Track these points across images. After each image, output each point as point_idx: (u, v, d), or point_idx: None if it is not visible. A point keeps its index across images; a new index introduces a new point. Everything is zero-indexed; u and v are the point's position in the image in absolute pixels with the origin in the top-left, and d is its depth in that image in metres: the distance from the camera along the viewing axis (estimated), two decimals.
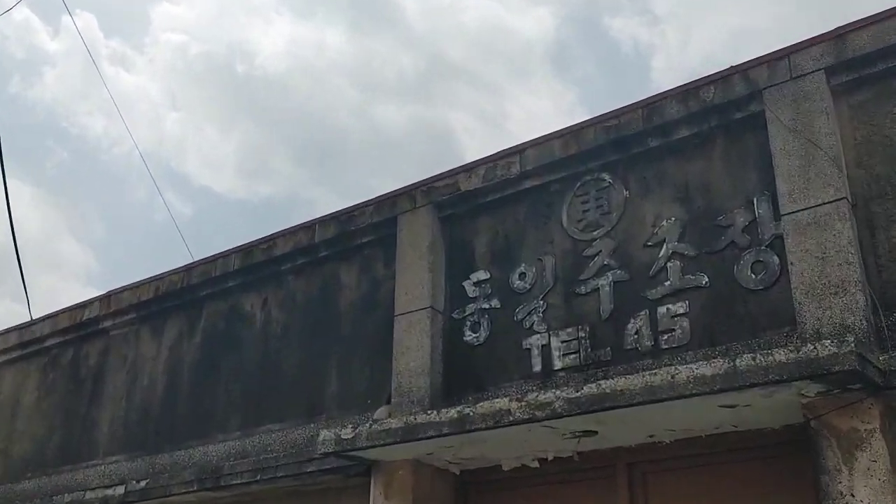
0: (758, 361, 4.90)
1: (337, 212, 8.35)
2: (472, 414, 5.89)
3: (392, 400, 7.07)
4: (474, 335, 7.13)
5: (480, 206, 7.49)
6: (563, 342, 6.60)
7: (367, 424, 6.44)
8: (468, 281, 7.35)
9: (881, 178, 5.64)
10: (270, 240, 8.72)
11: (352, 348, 7.86)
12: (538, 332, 6.76)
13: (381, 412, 7.00)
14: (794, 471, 5.56)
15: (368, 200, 8.11)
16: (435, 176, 7.71)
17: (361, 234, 8.13)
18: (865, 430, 4.95)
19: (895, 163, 5.62)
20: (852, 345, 4.67)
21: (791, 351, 4.85)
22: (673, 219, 6.40)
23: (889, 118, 5.75)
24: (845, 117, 5.87)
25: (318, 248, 8.42)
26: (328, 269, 8.39)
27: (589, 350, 6.44)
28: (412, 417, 6.21)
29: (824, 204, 5.56)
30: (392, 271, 7.70)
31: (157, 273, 9.53)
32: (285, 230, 8.67)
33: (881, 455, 4.87)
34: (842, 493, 4.89)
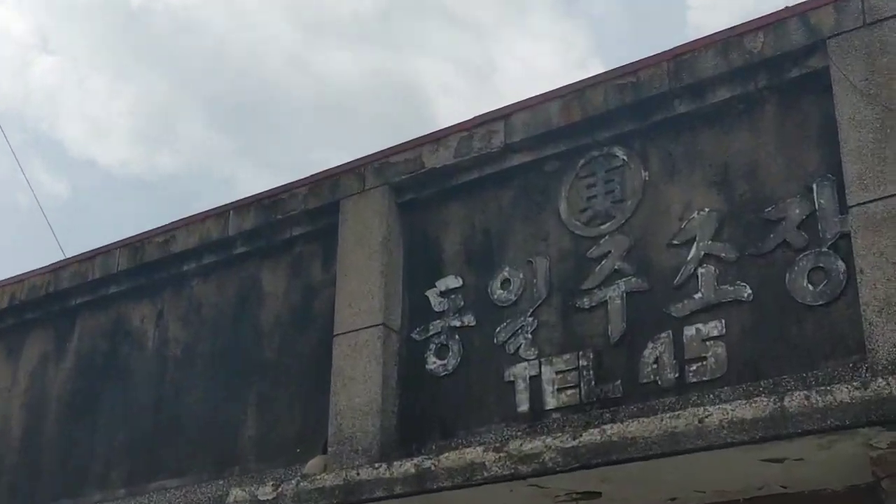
0: (813, 401, 4.94)
1: (259, 194, 8.32)
2: (434, 468, 5.89)
3: (329, 448, 7.04)
4: (440, 362, 7.11)
5: (452, 190, 7.48)
6: (558, 373, 6.59)
7: (295, 481, 6.43)
8: (434, 290, 7.32)
9: None
10: (169, 231, 8.68)
11: (277, 379, 7.82)
12: (526, 360, 6.75)
13: (313, 465, 6.96)
14: None
15: (302, 179, 8.11)
16: (391, 147, 7.70)
17: (292, 224, 8.10)
18: None
19: None
20: None
21: (858, 387, 4.89)
22: (707, 210, 6.43)
23: None
24: None
25: (233, 243, 8.39)
26: (247, 271, 8.36)
27: (592, 384, 6.44)
28: (355, 472, 6.20)
29: None
30: (332, 275, 7.68)
31: (14, 274, 9.44)
32: (189, 218, 8.65)
33: None
34: None
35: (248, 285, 8.32)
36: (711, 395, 5.99)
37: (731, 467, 5.50)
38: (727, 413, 5.13)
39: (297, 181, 8.13)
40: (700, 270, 6.33)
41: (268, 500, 6.40)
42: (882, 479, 5.16)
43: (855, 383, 4.93)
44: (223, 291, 8.45)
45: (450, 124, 7.54)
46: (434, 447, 6.74)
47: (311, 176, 8.07)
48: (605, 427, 5.49)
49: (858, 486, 5.62)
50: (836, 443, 5.10)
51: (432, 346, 7.20)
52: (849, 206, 5.79)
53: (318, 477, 6.38)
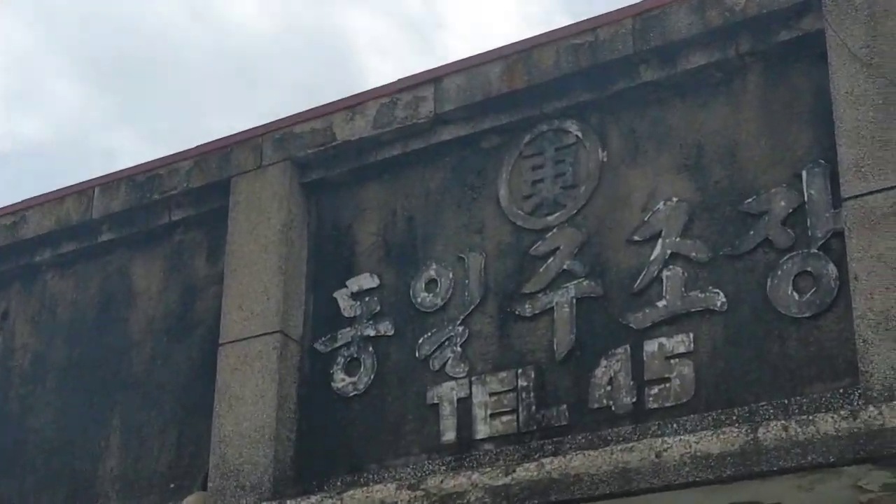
0: (792, 433, 5.02)
1: (131, 169, 8.27)
2: None
3: (210, 483, 7.02)
4: (350, 380, 7.12)
5: (369, 169, 7.51)
6: (492, 395, 6.62)
7: None
8: (344, 291, 7.33)
9: None
10: (18, 212, 8.60)
11: (147, 397, 7.78)
12: (454, 378, 6.78)
13: (191, 502, 6.95)
14: None
15: (185, 151, 8.08)
16: (296, 115, 7.71)
17: (171, 206, 8.07)
18: None
19: None
20: None
21: (845, 417, 4.97)
22: (675, 200, 6.49)
23: None
24: None
25: (97, 229, 8.34)
26: (114, 263, 8.31)
27: (533, 409, 6.47)
28: None
29: None
30: (219, 271, 7.67)
31: None
32: (44, 196, 8.58)
33: None
34: None
35: (114, 281, 8.26)
36: (675, 425, 6.02)
37: None
38: (690, 446, 5.19)
39: (178, 153, 8.09)
40: (665, 273, 6.38)
41: None
42: None
43: (843, 412, 5.01)
44: (84, 288, 8.38)
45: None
46: (339, 483, 6.73)
47: (197, 147, 8.03)
48: (544, 461, 5.52)
49: None
50: (819, 483, 5.18)
51: (340, 360, 7.19)
52: (843, 199, 5.87)
53: None
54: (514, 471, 5.55)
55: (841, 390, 5.70)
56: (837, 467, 4.97)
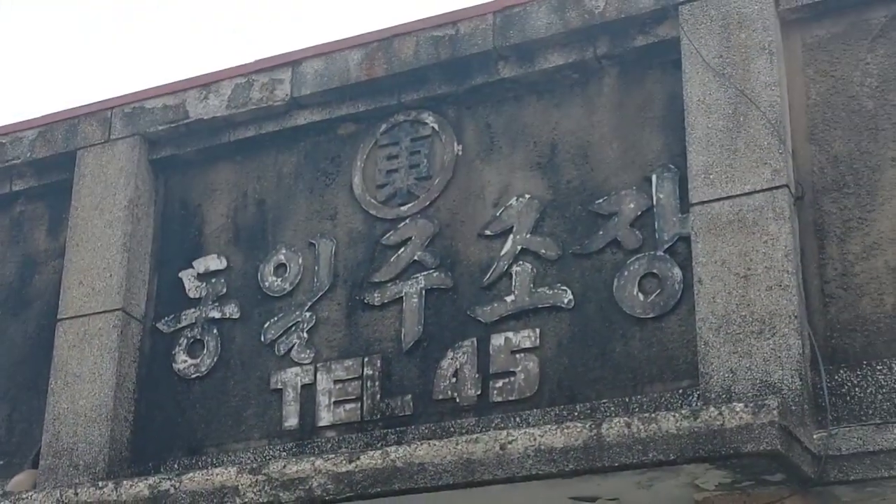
0: (634, 430, 5.08)
1: None
2: (174, 490, 5.80)
3: (42, 461, 6.90)
4: (192, 361, 7.05)
5: (222, 149, 7.43)
6: (337, 382, 6.61)
7: None
8: (190, 271, 7.26)
9: (840, 160, 5.99)
10: None
11: None
12: (299, 364, 6.75)
13: (19, 481, 6.84)
14: None
15: (29, 121, 7.91)
16: (148, 89, 7.59)
17: (12, 176, 7.93)
18: None
19: (862, 139, 5.98)
20: (775, 413, 4.92)
21: (685, 416, 5.05)
22: (527, 196, 6.55)
23: (859, 69, 6.12)
24: (797, 61, 6.20)
25: None
26: None
27: (378, 398, 6.48)
28: (72, 492, 6.05)
29: (755, 192, 5.83)
30: (61, 245, 7.55)
31: None
32: None
33: None
34: None
35: None
36: (518, 419, 6.11)
37: None
38: (534, 439, 5.21)
39: (22, 122, 7.91)
40: (515, 268, 6.43)
41: None
42: None
43: (684, 412, 5.09)
44: None
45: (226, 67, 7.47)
46: (177, 466, 6.68)
47: (43, 117, 7.85)
48: (388, 450, 5.50)
49: None
50: (658, 481, 5.27)
51: (183, 341, 7.12)
52: (691, 204, 5.99)
53: (25, 497, 6.17)
54: (357, 458, 5.51)
55: (680, 391, 5.85)
56: (678, 465, 5.04)
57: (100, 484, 6.08)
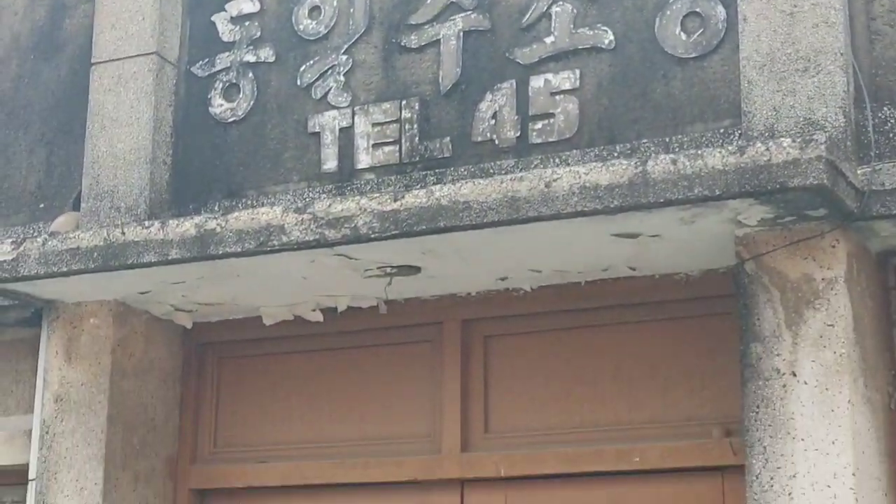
0: (681, 167, 5.08)
1: None
2: (220, 230, 5.83)
3: (83, 203, 6.98)
4: (228, 105, 7.02)
5: None
6: (375, 126, 6.59)
7: (39, 240, 6.26)
8: (223, 14, 7.14)
9: None
10: None
11: (13, 116, 7.66)
12: (336, 108, 6.71)
13: (62, 222, 6.90)
14: (714, 340, 5.94)
15: None
16: None
17: None
18: (824, 279, 5.28)
19: None
20: (823, 148, 4.91)
21: (732, 153, 5.05)
22: None
23: None
24: None
25: None
26: None
27: (416, 140, 6.48)
28: (118, 232, 6.08)
29: None
30: None
31: None
32: None
33: (842, 317, 5.24)
34: (778, 371, 5.28)
35: None
36: (557, 159, 6.12)
37: (576, 242, 5.66)
38: (580, 177, 5.21)
39: None
40: (554, 9, 6.32)
41: (6, 260, 6.21)
42: (746, 261, 5.41)
43: (729, 149, 5.07)
44: None
45: None
46: (218, 207, 6.76)
47: None
48: (432, 188, 5.50)
49: (715, 272, 5.92)
50: (701, 217, 5.30)
51: (218, 85, 7.07)
52: None
53: (70, 235, 6.22)
54: (402, 196, 5.51)
55: (722, 130, 5.84)
56: (722, 200, 5.06)
57: (146, 224, 6.12)
